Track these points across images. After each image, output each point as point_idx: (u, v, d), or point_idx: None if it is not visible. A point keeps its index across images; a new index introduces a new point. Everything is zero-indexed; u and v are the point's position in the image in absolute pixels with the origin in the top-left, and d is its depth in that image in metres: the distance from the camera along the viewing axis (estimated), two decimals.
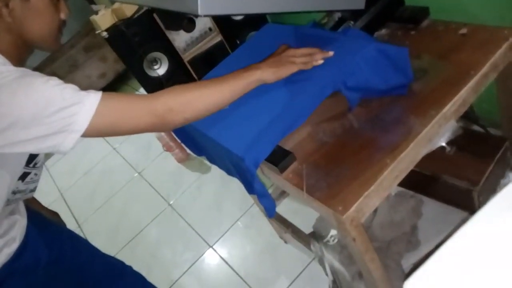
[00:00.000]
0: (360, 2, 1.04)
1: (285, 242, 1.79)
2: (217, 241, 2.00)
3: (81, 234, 2.47)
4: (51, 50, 0.96)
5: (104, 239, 2.38)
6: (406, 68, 1.01)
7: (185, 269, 1.96)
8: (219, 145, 1.06)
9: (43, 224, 1.20)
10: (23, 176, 0.97)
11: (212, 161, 1.29)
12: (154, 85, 2.14)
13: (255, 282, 1.75)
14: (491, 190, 1.21)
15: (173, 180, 2.49)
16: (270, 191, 1.76)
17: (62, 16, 0.92)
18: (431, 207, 1.31)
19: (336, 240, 1.34)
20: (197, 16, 0.72)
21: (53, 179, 3.07)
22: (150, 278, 1.96)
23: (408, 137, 0.93)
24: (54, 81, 0.79)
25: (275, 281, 1.69)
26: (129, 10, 1.97)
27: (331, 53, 1.01)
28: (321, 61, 1.00)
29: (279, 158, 1.01)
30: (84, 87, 2.99)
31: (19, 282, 1.02)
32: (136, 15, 1.98)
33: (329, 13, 1.28)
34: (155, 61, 2.11)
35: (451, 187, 1.23)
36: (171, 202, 2.36)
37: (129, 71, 2.37)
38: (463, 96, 0.98)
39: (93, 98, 0.80)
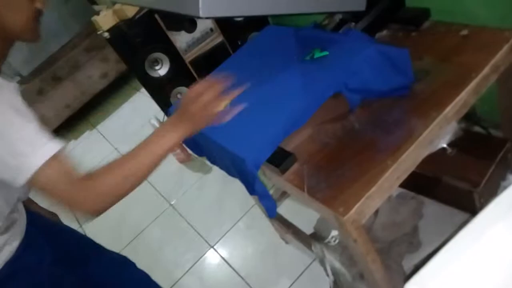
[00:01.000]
0: (361, 3, 1.04)
1: (286, 242, 1.79)
2: (218, 241, 2.00)
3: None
4: (32, 41, 0.93)
5: (105, 239, 2.36)
6: (407, 69, 1.01)
7: (186, 269, 1.96)
8: (220, 146, 1.06)
9: (45, 224, 1.21)
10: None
11: (213, 161, 1.29)
12: (155, 86, 2.15)
13: (256, 282, 1.75)
14: (492, 191, 1.21)
15: (175, 180, 2.49)
16: (271, 191, 1.75)
17: (38, 5, 0.89)
18: (432, 208, 1.31)
19: (337, 241, 1.34)
20: (198, 18, 0.72)
21: None
22: (152, 278, 1.97)
23: (409, 139, 0.93)
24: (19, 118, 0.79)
25: (276, 282, 1.69)
26: (130, 11, 1.97)
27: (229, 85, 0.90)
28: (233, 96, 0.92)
29: (280, 159, 1.02)
30: (86, 87, 3.00)
31: (23, 281, 1.02)
32: (137, 16, 1.98)
33: (330, 14, 1.28)
34: (156, 61, 2.11)
35: (452, 188, 1.23)
36: (172, 202, 2.37)
37: (131, 72, 2.37)
38: (464, 98, 0.98)
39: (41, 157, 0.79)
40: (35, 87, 3.22)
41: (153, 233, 2.26)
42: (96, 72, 3.43)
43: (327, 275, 1.36)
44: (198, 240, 2.06)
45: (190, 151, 2.21)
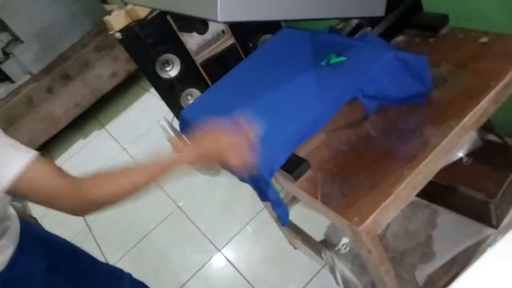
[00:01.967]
0: (380, 9, 1.02)
1: (295, 248, 1.77)
2: (225, 245, 1.99)
3: (90, 235, 2.47)
4: None
5: (113, 240, 2.38)
6: (426, 77, 0.99)
7: (193, 272, 1.95)
8: None
9: (39, 231, 1.19)
10: None
11: (225, 166, 1.27)
12: (165, 87, 2.13)
13: (262, 287, 1.73)
14: (509, 202, 1.19)
15: (183, 182, 2.48)
16: (281, 196, 1.74)
17: None
18: (446, 218, 1.29)
19: (348, 249, 1.32)
20: (217, 22, 0.71)
21: None
22: (158, 281, 1.96)
23: (427, 148, 0.91)
24: None
25: None
26: (142, 11, 1.96)
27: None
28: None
29: (293, 165, 1.00)
30: (95, 86, 3.00)
31: None
32: (149, 17, 1.97)
33: (347, 19, 1.26)
34: (167, 62, 2.10)
35: (468, 199, 1.21)
36: (180, 204, 2.36)
37: (141, 72, 2.36)
38: (484, 107, 0.96)
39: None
40: (45, 85, 3.23)
41: (160, 235, 2.25)
42: (105, 71, 3.43)
43: (337, 283, 1.34)
44: (205, 243, 2.05)
45: None
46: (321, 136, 1.07)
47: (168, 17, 1.94)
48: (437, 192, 1.27)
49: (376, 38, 1.10)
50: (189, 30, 1.99)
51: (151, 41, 1.98)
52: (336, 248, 1.34)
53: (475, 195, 1.17)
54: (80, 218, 2.57)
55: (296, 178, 1.01)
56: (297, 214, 1.70)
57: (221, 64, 2.10)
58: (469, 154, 1.23)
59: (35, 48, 3.28)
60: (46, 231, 1.25)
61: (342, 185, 0.94)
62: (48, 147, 3.45)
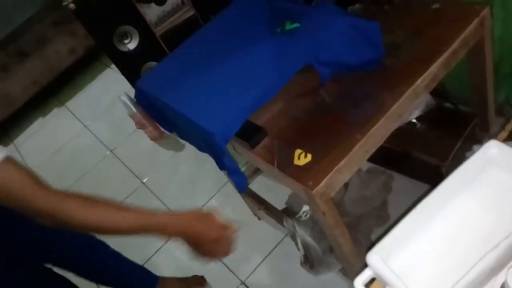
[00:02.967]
0: None
1: (259, 218, 1.79)
2: None
3: None
4: None
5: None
6: (378, 43, 1.00)
7: (158, 247, 1.95)
8: (189, 120, 1.04)
9: None
10: None
11: (183, 137, 1.27)
12: (124, 60, 2.07)
13: (229, 258, 1.75)
14: (460, 165, 1.23)
15: (147, 158, 2.45)
16: (243, 168, 1.75)
17: None
18: (401, 183, 1.33)
19: (308, 216, 1.35)
20: None
21: (22, 157, 2.98)
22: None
23: (379, 112, 0.93)
24: None
25: (249, 257, 1.70)
26: None
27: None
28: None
29: (250, 133, 1.00)
30: (53, 63, 2.88)
31: None
32: None
33: None
34: (125, 35, 2.03)
35: (421, 163, 1.25)
36: (144, 181, 2.33)
37: (98, 46, 2.28)
38: (434, 71, 0.98)
39: None
40: None
41: None
42: (64, 47, 3.29)
43: (298, 249, 1.37)
44: None
45: (162, 129, 2.17)
46: (278, 105, 1.07)
47: None
48: (392, 158, 1.31)
49: (331, 5, 1.09)
50: (147, 1, 1.92)
51: (108, 12, 1.91)
52: (297, 216, 1.37)
53: (428, 159, 1.21)
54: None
55: (253, 146, 1.01)
56: (260, 185, 1.72)
57: (181, 36, 2.04)
58: (422, 120, 1.26)
59: None
60: None
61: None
62: (5, 127, 3.32)
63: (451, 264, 0.53)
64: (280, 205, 1.55)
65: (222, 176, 1.92)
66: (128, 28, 1.99)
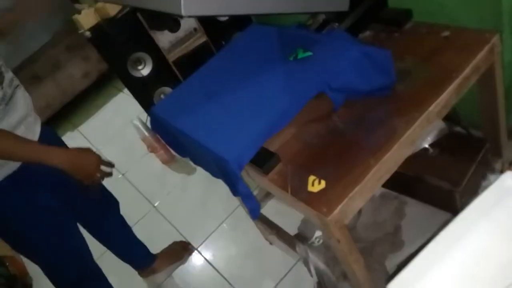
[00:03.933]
0: (344, 3, 1.04)
1: (271, 243, 1.79)
2: (202, 243, 1.99)
3: None
4: None
5: (88, 241, 2.34)
6: (390, 70, 1.01)
7: (170, 272, 1.94)
8: (203, 147, 1.05)
9: None
10: None
11: (197, 162, 1.28)
12: (138, 86, 2.12)
13: (240, 284, 1.74)
14: (473, 191, 1.23)
15: (158, 181, 2.46)
16: (255, 192, 1.75)
17: None
18: (414, 208, 1.33)
19: (321, 241, 1.34)
20: (181, 17, 0.71)
21: None
22: (135, 280, 1.95)
23: (392, 139, 0.94)
24: None
25: (260, 283, 1.69)
26: (112, 10, 1.94)
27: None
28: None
29: (263, 159, 1.01)
30: (67, 87, 2.96)
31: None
32: (119, 15, 1.95)
33: (314, 15, 1.28)
34: (139, 61, 2.08)
35: (434, 188, 1.24)
36: (155, 204, 2.34)
37: (113, 72, 2.34)
38: (446, 98, 0.99)
39: None
40: None
41: (136, 234, 2.23)
42: (77, 72, 3.37)
43: (311, 275, 1.36)
44: None
45: (173, 152, 2.19)
46: (291, 130, 1.08)
47: (139, 15, 1.92)
48: (405, 183, 1.31)
49: (342, 33, 1.11)
50: (161, 28, 1.97)
51: (122, 39, 1.96)
52: (310, 241, 1.36)
53: (441, 184, 1.21)
54: None
55: (266, 172, 1.02)
56: (272, 209, 1.72)
57: (194, 62, 2.09)
58: (435, 145, 1.26)
59: (2, 48, 3.19)
60: None
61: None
62: None
63: None
64: (292, 230, 1.54)
65: (233, 199, 1.93)
66: (141, 54, 2.05)
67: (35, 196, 1.31)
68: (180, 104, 1.24)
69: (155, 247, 2.00)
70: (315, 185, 0.92)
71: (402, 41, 1.18)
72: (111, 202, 1.74)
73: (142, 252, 1.88)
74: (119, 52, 2.00)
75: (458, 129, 1.41)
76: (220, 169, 1.02)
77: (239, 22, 2.09)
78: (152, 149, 2.43)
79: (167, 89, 2.16)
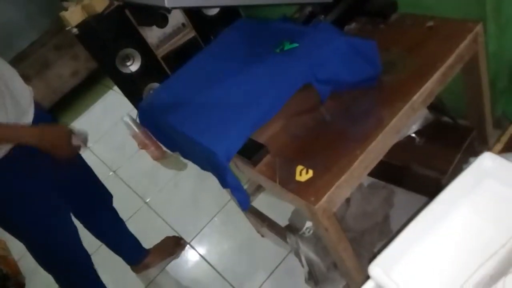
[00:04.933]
0: None
1: (262, 236, 1.80)
2: (194, 237, 2.00)
3: None
4: None
5: (82, 237, 2.33)
6: (375, 60, 1.03)
7: (163, 266, 1.95)
8: (191, 139, 1.06)
9: None
10: None
11: (186, 156, 1.28)
12: (127, 82, 2.11)
13: (233, 277, 1.75)
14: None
15: (149, 178, 2.46)
16: (245, 186, 1.76)
17: None
18: (402, 197, 1.34)
19: (311, 232, 1.36)
20: (164, 8, 0.72)
21: None
22: (128, 276, 1.95)
23: (377, 128, 0.95)
24: None
25: (253, 275, 1.70)
26: (99, 6, 1.93)
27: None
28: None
29: (252, 151, 1.02)
30: (56, 86, 2.95)
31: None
32: (107, 11, 1.94)
33: (300, 7, 1.29)
34: (127, 57, 2.07)
35: (421, 177, 1.26)
36: (147, 200, 2.34)
37: (101, 69, 2.32)
38: (430, 87, 1.00)
39: None
40: None
41: None
42: (66, 71, 3.35)
43: (302, 265, 1.37)
44: None
45: (164, 149, 2.19)
46: (279, 123, 1.09)
47: (127, 11, 1.91)
48: (393, 173, 1.32)
49: (328, 25, 1.12)
50: (149, 24, 1.97)
51: (110, 36, 1.95)
52: (300, 232, 1.37)
53: (428, 173, 1.23)
54: None
55: (255, 164, 1.03)
56: (263, 202, 1.73)
57: (182, 57, 2.08)
58: (422, 135, 1.28)
59: None
60: None
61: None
62: None
63: (451, 273, 0.54)
64: (283, 222, 1.55)
65: (225, 194, 1.93)
66: (130, 50, 2.04)
67: (28, 181, 1.32)
68: (167, 98, 1.24)
69: (147, 243, 2.00)
70: (303, 174, 0.94)
71: (387, 33, 1.20)
72: (105, 195, 1.77)
73: (135, 245, 1.89)
74: (107, 49, 1.99)
75: (445, 119, 1.43)
76: (209, 161, 1.03)
77: (228, 16, 2.09)
78: (142, 146, 2.41)
79: (156, 85, 2.15)
